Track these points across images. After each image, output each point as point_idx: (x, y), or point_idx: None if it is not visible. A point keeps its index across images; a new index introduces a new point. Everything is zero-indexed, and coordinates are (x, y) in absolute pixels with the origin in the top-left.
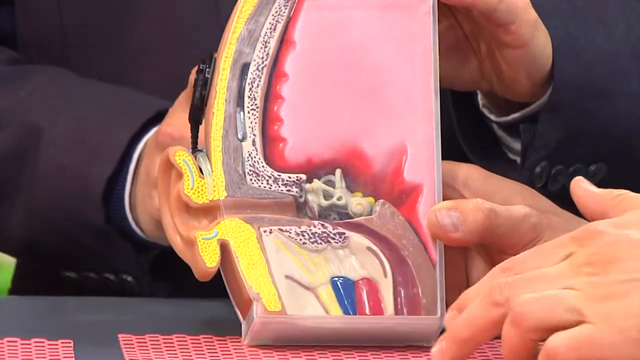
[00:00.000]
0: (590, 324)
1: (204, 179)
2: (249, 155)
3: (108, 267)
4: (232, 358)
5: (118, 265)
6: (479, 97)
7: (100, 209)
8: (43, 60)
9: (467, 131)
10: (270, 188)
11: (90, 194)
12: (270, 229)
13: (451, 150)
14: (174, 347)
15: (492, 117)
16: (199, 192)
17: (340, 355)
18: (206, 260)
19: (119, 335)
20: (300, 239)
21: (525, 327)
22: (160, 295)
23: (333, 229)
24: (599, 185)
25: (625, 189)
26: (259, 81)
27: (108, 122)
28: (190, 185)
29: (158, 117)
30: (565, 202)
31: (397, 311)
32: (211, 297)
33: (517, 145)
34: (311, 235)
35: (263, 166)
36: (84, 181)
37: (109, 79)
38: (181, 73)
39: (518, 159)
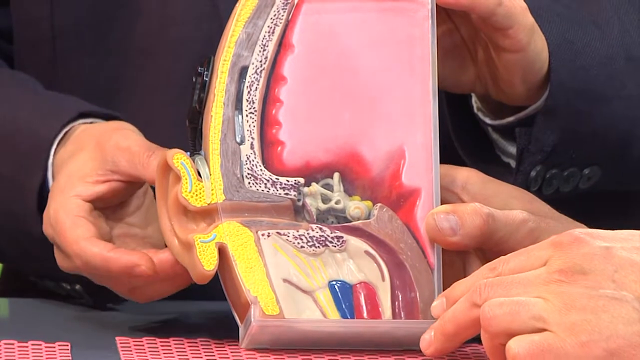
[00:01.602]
0: (552, 333)
1: (202, 182)
2: (247, 158)
3: (58, 276)
4: None
5: (64, 274)
6: (474, 100)
7: (37, 218)
8: (31, 61)
9: (461, 134)
10: (268, 191)
11: (27, 203)
12: (268, 233)
13: (449, 154)
14: (171, 350)
15: (487, 120)
16: (197, 195)
17: (337, 359)
18: (204, 263)
19: (117, 338)
20: (298, 243)
21: (491, 331)
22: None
23: (331, 233)
24: (592, 188)
25: (618, 192)
26: (258, 84)
27: (35, 125)
28: (189, 188)
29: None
30: (560, 205)
31: (395, 315)
32: (209, 300)
33: (511, 148)
34: (309, 239)
35: (261, 169)
36: (21, 190)
37: (102, 81)
38: (177, 74)
39: (511, 162)
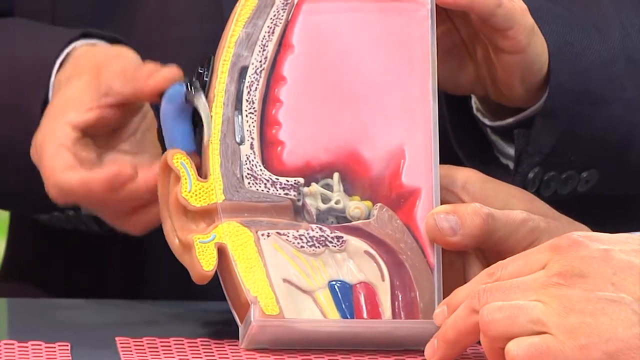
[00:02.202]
0: (551, 336)
1: (201, 182)
2: (247, 158)
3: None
4: None
5: None
6: (473, 100)
7: None
8: None
9: (460, 135)
10: (268, 191)
11: (30, 127)
12: (268, 233)
13: (449, 154)
14: (171, 350)
15: (486, 121)
16: (196, 195)
17: (337, 359)
18: (203, 263)
19: (116, 338)
20: (298, 243)
21: (491, 335)
22: (105, 228)
23: (331, 233)
24: (590, 191)
25: (616, 196)
26: (257, 84)
27: (36, 48)
28: (188, 188)
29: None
30: (559, 207)
31: (395, 315)
32: (209, 300)
33: (510, 150)
34: (309, 239)
35: (261, 169)
36: (24, 115)
37: None
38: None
39: (510, 164)
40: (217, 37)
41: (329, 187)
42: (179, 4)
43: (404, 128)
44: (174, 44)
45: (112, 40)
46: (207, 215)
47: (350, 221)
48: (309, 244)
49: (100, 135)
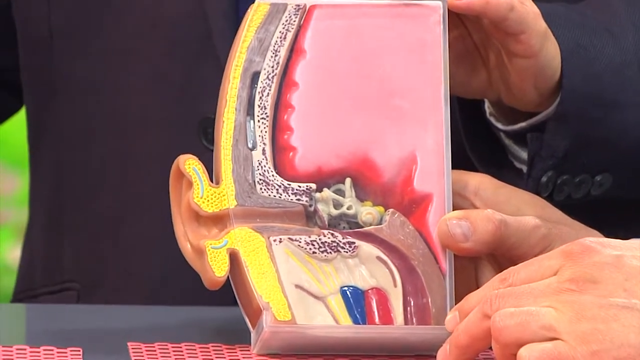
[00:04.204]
0: (563, 342)
1: (213, 187)
2: (259, 164)
3: None
4: None
5: None
6: (486, 105)
7: None
8: (31, 63)
9: (474, 139)
10: (280, 197)
11: None
12: (280, 238)
13: (461, 159)
14: (182, 355)
15: (499, 125)
16: (208, 200)
17: None
18: (215, 269)
19: (128, 344)
20: (310, 248)
21: (502, 341)
22: None
23: (343, 238)
24: (604, 195)
25: (630, 199)
26: (269, 90)
27: None
28: (200, 194)
29: None
30: (571, 211)
31: (407, 321)
32: (221, 305)
33: (523, 154)
34: (321, 245)
35: (273, 175)
36: None
37: (95, 79)
38: (168, 73)
39: (524, 168)
40: (202, 35)
41: (340, 192)
42: (166, 4)
43: (416, 133)
44: (163, 44)
45: None
46: (219, 221)
47: (362, 227)
48: (320, 249)
49: None
